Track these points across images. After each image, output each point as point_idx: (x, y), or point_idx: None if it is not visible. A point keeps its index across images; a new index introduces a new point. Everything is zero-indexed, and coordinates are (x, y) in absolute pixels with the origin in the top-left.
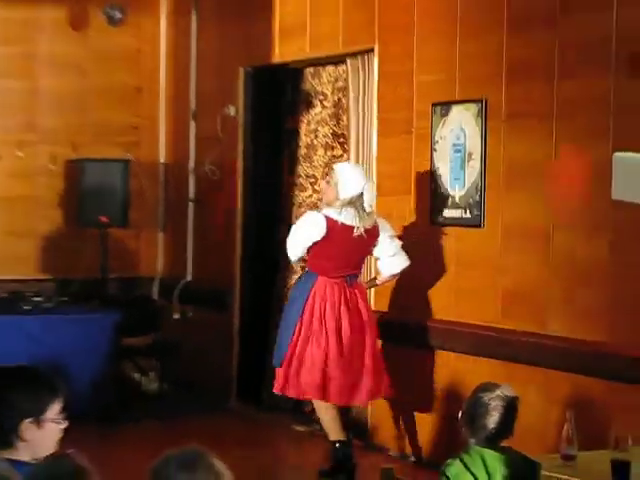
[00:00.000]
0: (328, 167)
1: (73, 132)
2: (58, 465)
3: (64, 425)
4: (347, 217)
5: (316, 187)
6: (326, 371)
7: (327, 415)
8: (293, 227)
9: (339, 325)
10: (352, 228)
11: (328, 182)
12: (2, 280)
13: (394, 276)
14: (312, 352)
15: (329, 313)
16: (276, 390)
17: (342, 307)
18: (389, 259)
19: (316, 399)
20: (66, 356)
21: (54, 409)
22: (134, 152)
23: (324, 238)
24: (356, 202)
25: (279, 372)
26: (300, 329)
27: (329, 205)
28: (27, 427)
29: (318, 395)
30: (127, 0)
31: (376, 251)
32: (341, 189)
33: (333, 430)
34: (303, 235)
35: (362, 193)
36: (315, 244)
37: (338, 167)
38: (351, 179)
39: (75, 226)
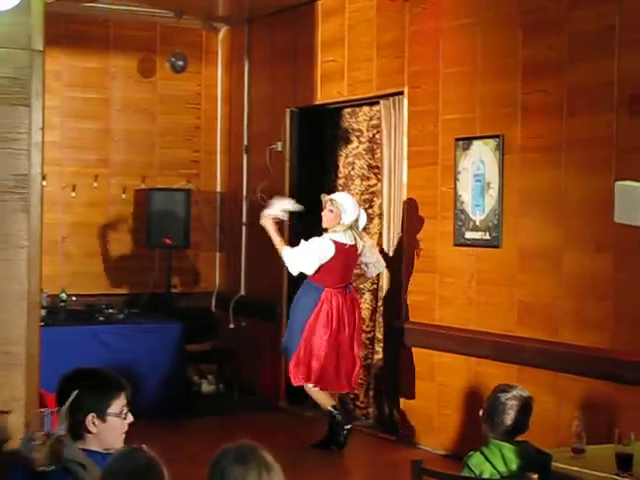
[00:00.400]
0: (325, 198)
1: (142, 166)
2: (131, 458)
3: (129, 420)
4: (350, 238)
5: None
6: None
7: (315, 391)
8: (303, 249)
9: (340, 326)
10: (354, 247)
11: (332, 210)
12: (80, 294)
13: (376, 275)
14: (318, 347)
15: (335, 317)
16: (297, 383)
17: (344, 312)
18: (373, 264)
19: (318, 386)
20: (136, 361)
21: (116, 405)
22: (194, 182)
23: (331, 258)
24: (354, 225)
25: (293, 366)
26: (306, 330)
27: (332, 229)
28: (91, 421)
29: (318, 382)
30: (189, 51)
31: (365, 258)
32: (344, 216)
33: (324, 400)
34: (319, 257)
35: (357, 218)
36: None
37: (339, 198)
38: (351, 207)
39: (143, 247)
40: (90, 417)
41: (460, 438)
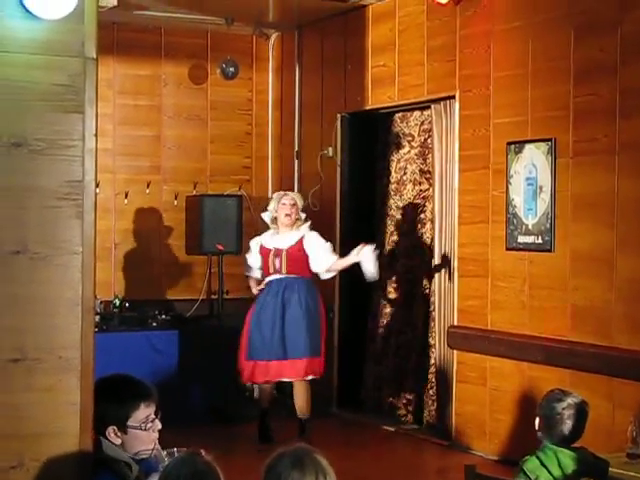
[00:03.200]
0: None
1: (193, 172)
2: (190, 462)
3: (156, 428)
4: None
5: (406, 217)
6: None
7: None
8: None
9: None
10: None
11: (293, 204)
12: (134, 300)
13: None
14: None
15: None
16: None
17: None
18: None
19: None
20: (188, 366)
21: (136, 416)
22: (246, 188)
23: None
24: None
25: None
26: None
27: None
28: (113, 432)
29: None
30: (240, 57)
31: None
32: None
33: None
34: None
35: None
36: None
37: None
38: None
39: (195, 253)
40: (110, 429)
41: (513, 443)
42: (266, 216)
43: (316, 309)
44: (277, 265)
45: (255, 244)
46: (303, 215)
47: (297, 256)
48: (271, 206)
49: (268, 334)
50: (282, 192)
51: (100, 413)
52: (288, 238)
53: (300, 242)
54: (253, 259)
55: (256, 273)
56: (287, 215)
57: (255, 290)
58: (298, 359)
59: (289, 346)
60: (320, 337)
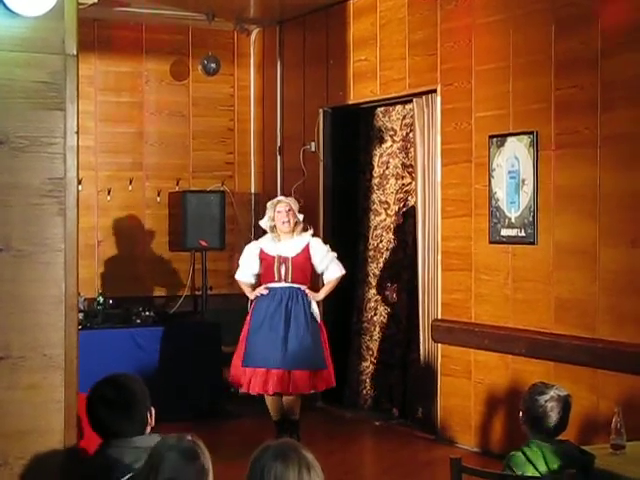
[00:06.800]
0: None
1: (176, 169)
2: (175, 442)
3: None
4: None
5: (389, 212)
6: None
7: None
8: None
9: None
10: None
11: (289, 210)
12: (117, 297)
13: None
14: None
15: None
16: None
17: None
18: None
19: None
20: (172, 363)
21: None
22: (229, 184)
23: None
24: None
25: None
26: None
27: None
28: (153, 413)
29: None
30: (221, 53)
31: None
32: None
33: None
34: None
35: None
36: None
37: (287, 199)
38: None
39: (179, 249)
40: (152, 410)
41: (498, 436)
42: (264, 224)
43: (317, 320)
44: (283, 273)
45: (254, 248)
46: (301, 216)
47: (303, 265)
48: (267, 215)
49: (270, 343)
50: (276, 199)
51: (142, 398)
52: (293, 245)
53: (306, 250)
54: (251, 264)
55: (251, 278)
56: (285, 222)
57: (252, 295)
58: (299, 371)
59: (292, 358)
60: (324, 348)
